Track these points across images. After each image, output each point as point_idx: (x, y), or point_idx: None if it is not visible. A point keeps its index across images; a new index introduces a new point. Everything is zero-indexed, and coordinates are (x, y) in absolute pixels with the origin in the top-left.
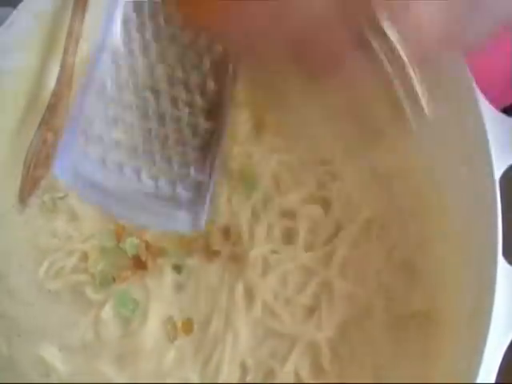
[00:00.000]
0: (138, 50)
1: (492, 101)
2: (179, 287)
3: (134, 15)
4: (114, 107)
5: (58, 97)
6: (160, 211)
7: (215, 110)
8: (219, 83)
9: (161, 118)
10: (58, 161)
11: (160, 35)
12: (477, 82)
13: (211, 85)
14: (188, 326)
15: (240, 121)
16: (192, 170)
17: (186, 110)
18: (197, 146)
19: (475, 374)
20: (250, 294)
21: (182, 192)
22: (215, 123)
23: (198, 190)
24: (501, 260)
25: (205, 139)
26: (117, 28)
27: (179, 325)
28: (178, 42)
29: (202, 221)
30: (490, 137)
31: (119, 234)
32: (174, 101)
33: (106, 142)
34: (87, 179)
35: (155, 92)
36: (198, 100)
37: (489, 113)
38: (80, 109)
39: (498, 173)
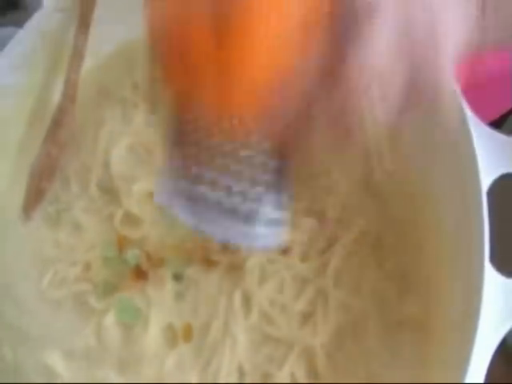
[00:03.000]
0: None
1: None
2: (179, 296)
3: None
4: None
5: (62, 112)
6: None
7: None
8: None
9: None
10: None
11: None
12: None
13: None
14: (188, 332)
15: None
16: (267, 208)
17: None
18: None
19: (463, 375)
20: (247, 302)
21: (259, 228)
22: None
23: (274, 225)
24: (487, 266)
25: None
26: None
27: (179, 332)
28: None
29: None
30: (478, 151)
31: (121, 245)
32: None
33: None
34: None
35: None
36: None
37: (477, 128)
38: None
39: (485, 184)
